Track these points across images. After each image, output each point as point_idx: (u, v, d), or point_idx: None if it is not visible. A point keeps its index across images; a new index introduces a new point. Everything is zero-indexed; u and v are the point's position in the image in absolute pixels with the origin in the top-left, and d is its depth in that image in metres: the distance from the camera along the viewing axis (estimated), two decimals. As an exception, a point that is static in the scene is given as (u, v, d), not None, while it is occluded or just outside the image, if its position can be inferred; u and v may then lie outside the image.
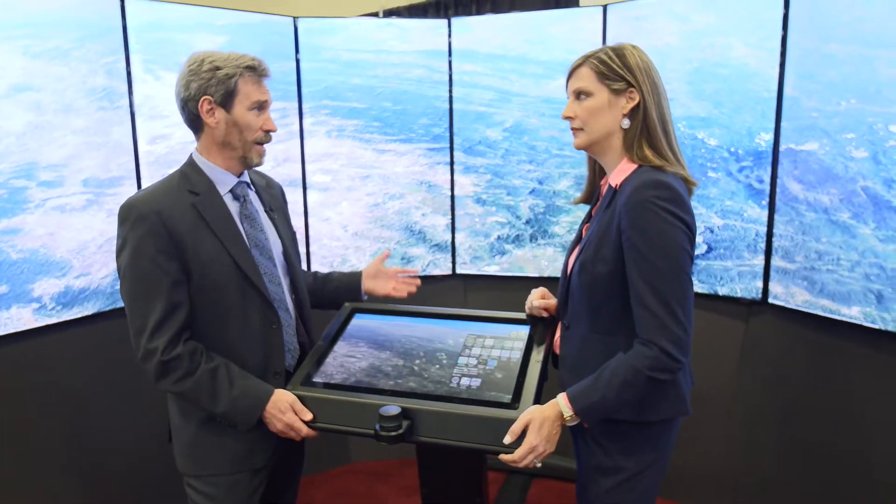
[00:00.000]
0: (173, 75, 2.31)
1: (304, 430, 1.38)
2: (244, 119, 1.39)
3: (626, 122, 1.32)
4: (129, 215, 1.33)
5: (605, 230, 1.30)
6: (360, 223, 2.73)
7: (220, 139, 1.40)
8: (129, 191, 2.21)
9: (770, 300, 2.12)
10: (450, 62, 2.65)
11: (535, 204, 2.67)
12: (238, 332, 1.39)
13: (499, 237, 2.73)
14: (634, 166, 1.31)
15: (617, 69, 1.31)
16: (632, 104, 1.31)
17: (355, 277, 1.73)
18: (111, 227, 2.17)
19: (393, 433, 1.31)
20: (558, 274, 2.62)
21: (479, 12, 4.04)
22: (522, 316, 1.59)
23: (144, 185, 2.25)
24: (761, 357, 2.22)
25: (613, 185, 1.34)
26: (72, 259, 2.09)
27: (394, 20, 2.71)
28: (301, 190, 2.65)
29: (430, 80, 2.67)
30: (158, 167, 2.27)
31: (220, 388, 1.34)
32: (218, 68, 1.36)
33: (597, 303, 1.33)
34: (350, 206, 2.72)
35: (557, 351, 1.48)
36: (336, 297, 1.73)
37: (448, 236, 2.78)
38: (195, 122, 1.41)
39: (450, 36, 2.64)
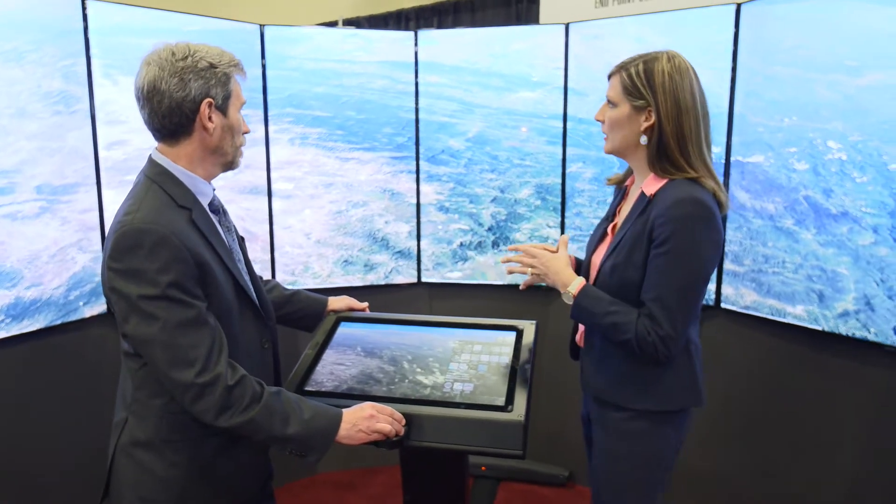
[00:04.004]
0: (130, 79, 2.25)
1: (400, 417, 1.32)
2: (237, 122, 1.28)
3: (643, 139, 1.37)
4: (143, 241, 1.13)
5: (637, 237, 1.37)
6: (323, 230, 2.72)
7: (212, 145, 1.25)
8: (84, 198, 2.13)
9: (722, 303, 2.27)
10: (416, 71, 2.70)
11: (496, 212, 2.74)
12: (241, 354, 1.29)
13: (461, 244, 2.79)
14: (665, 179, 1.37)
15: (640, 87, 1.34)
16: (649, 123, 1.35)
17: (320, 306, 1.69)
18: (65, 236, 2.08)
19: (393, 438, 1.33)
20: (520, 281, 2.73)
21: (440, 25, 4.09)
22: (508, 322, 1.65)
23: (112, 192, 2.17)
24: (714, 358, 2.36)
25: (648, 194, 1.39)
26: (23, 269, 1.98)
27: (359, 32, 2.73)
28: (264, 198, 2.62)
29: (394, 91, 2.70)
30: (115, 173, 2.20)
31: (290, 410, 1.21)
32: (213, 66, 1.21)
33: (628, 303, 1.40)
34: (313, 213, 2.71)
35: (580, 343, 1.58)
36: (294, 319, 1.66)
37: (410, 243, 2.81)
38: (185, 127, 1.22)
39: (416, 45, 2.68)
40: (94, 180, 2.15)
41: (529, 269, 1.52)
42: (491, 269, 2.78)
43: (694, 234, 1.30)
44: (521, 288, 1.65)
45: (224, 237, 1.32)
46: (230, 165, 1.32)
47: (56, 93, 2.03)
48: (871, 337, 1.83)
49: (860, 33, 1.83)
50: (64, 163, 2.07)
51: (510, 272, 1.58)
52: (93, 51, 2.10)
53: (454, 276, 2.80)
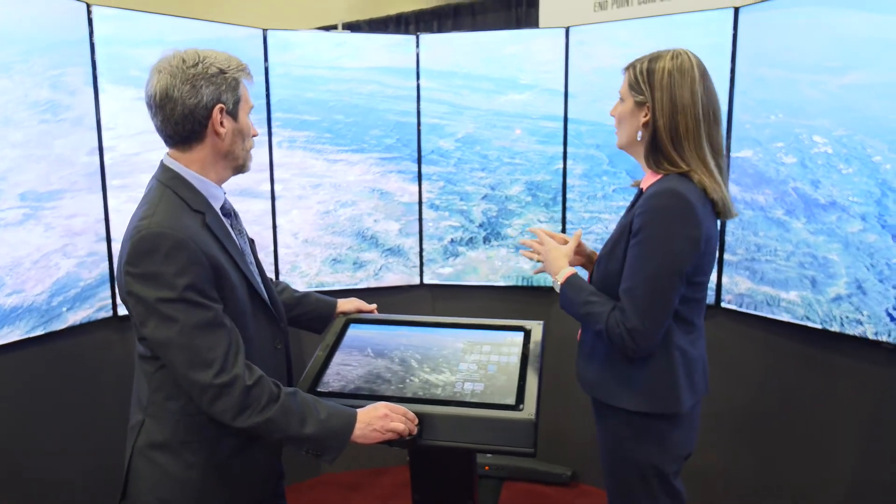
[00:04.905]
0: (118, 88, 2.23)
1: (413, 417, 1.33)
2: (247, 126, 1.29)
3: (639, 134, 1.39)
4: (160, 245, 1.14)
5: (622, 230, 1.39)
6: (311, 230, 2.71)
7: (224, 150, 1.26)
8: (70, 204, 2.09)
9: (722, 304, 2.30)
10: (418, 74, 2.70)
11: (487, 208, 2.76)
12: (255, 355, 1.29)
13: (452, 240, 2.80)
14: (660, 174, 1.37)
15: (640, 83, 1.36)
16: (646, 119, 1.37)
17: (330, 308, 1.70)
18: (48, 242, 2.04)
19: (406, 438, 1.33)
20: (512, 274, 2.75)
21: (440, 28, 4.08)
22: (516, 323, 1.66)
23: (96, 196, 2.15)
24: (714, 357, 2.37)
25: (642, 188, 1.41)
26: (4, 276, 1.94)
27: (348, 38, 2.72)
28: (253, 200, 2.59)
29: (382, 95, 2.71)
30: (100, 179, 2.18)
31: (307, 410, 1.23)
32: (223, 71, 1.21)
33: (610, 295, 1.40)
34: (300, 213, 2.69)
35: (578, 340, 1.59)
36: (304, 321, 1.67)
37: (400, 241, 2.81)
38: (197, 133, 1.22)
39: (418, 47, 2.69)
40: (80, 186, 2.12)
41: (536, 255, 1.56)
42: (483, 265, 2.79)
43: (666, 226, 1.28)
44: (532, 273, 1.83)
45: (236, 240, 1.33)
46: (241, 169, 1.33)
47: (43, 102, 2.00)
48: (864, 320, 1.89)
49: (842, 37, 1.89)
50: (50, 170, 2.03)
51: (523, 254, 1.64)
52: (78, 59, 2.08)
53: (445, 272, 2.81)
